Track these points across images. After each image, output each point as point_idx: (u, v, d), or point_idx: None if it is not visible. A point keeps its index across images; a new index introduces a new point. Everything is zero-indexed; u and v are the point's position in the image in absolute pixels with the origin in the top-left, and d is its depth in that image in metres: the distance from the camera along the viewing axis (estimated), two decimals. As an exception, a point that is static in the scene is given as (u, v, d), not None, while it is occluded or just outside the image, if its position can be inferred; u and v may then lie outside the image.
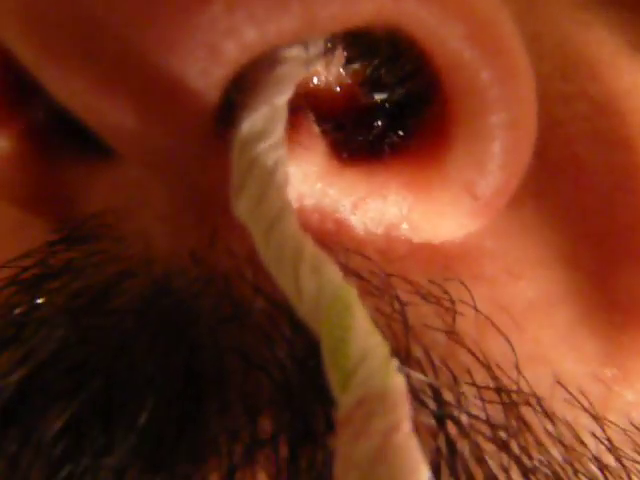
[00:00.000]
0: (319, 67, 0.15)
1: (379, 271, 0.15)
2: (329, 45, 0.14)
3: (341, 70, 0.15)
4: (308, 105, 0.15)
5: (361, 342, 0.11)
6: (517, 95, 0.14)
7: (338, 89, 0.15)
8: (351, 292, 0.12)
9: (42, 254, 0.15)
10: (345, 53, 0.15)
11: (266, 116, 0.13)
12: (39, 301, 0.14)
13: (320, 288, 0.12)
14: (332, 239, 0.15)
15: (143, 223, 0.15)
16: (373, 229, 0.15)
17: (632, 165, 0.16)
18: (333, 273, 0.12)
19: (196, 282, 0.14)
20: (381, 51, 0.14)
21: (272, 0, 0.12)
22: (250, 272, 0.14)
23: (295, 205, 0.15)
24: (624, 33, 0.17)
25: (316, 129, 0.15)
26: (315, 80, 0.15)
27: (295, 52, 0.13)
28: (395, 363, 0.11)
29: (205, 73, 0.12)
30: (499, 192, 0.15)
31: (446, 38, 0.13)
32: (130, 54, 0.12)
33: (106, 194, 0.15)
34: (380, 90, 0.15)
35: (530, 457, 0.14)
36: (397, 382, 0.11)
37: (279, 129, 0.13)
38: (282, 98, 0.13)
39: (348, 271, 0.14)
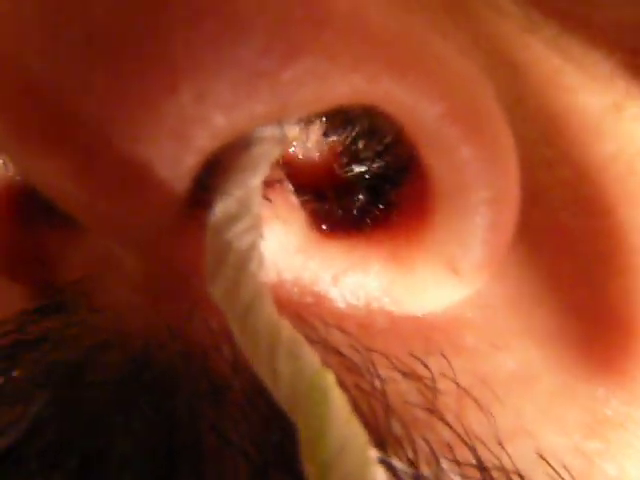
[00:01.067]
0: (297, 138, 0.15)
1: (359, 346, 0.14)
2: (309, 119, 0.14)
3: (319, 141, 0.15)
4: (287, 175, 0.15)
5: (339, 433, 0.11)
6: (499, 171, 0.14)
7: (317, 160, 0.15)
8: (328, 378, 0.12)
9: (19, 322, 0.15)
10: (324, 124, 0.15)
11: (240, 199, 0.13)
12: (15, 373, 0.14)
13: (296, 375, 0.11)
14: (312, 312, 0.15)
15: (119, 294, 0.15)
16: (354, 302, 0.15)
17: (612, 234, 0.16)
18: (309, 358, 0.12)
19: (174, 357, 0.14)
20: (358, 124, 0.14)
21: (241, 88, 0.12)
22: (228, 348, 0.14)
23: (274, 279, 0.14)
24: (609, 95, 0.17)
25: (295, 200, 0.15)
26: (293, 150, 0.15)
27: (269, 132, 0.13)
28: (374, 454, 0.11)
29: (174, 161, 0.12)
30: (482, 268, 0.15)
31: (423, 117, 0.13)
32: (99, 141, 0.11)
33: (83, 262, 0.15)
34: (359, 162, 0.15)
35: None
36: (376, 476, 0.11)
37: (253, 210, 0.13)
38: (256, 179, 0.13)
39: (328, 347, 0.14)
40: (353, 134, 0.15)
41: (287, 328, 0.12)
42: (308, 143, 0.15)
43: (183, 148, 0.12)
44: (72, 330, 0.14)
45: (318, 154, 0.15)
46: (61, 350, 0.14)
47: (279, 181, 0.15)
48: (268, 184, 0.14)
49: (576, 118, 0.16)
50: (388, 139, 0.15)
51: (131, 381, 0.13)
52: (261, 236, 0.13)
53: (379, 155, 0.15)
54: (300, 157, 0.15)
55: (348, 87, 0.12)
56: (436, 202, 0.14)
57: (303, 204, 0.15)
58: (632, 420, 0.16)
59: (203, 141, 0.12)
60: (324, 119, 0.15)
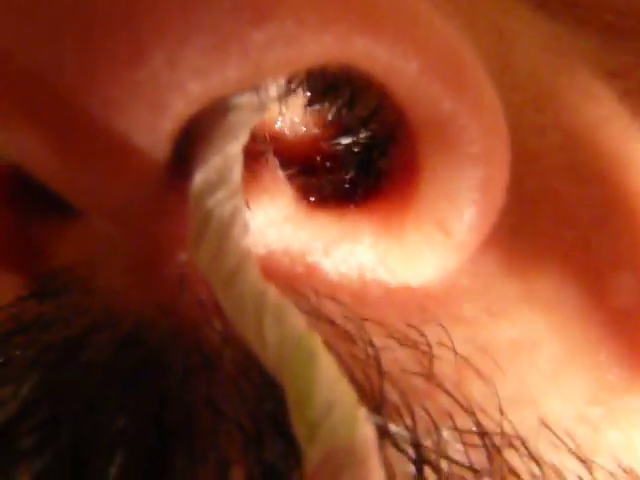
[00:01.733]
0: (281, 110, 0.15)
1: (353, 316, 0.14)
2: (289, 87, 0.14)
3: (303, 113, 0.15)
4: (272, 149, 0.15)
5: (326, 393, 0.11)
6: (484, 127, 0.14)
7: (303, 134, 0.15)
8: (315, 340, 0.11)
9: (13, 309, 0.15)
10: (308, 94, 0.15)
11: (219, 166, 0.13)
12: (6, 355, 0.14)
13: (283, 338, 0.11)
14: (304, 283, 0.14)
15: (111, 276, 0.14)
16: (347, 273, 0.15)
17: (607, 199, 0.16)
18: (296, 322, 0.11)
19: (165, 334, 0.14)
20: (341, 92, 0.14)
21: (212, 52, 0.12)
22: (219, 321, 0.14)
23: (263, 250, 0.14)
24: (599, 59, 0.16)
25: (281, 174, 0.14)
26: (279, 124, 0.15)
27: (246, 98, 0.13)
28: (363, 412, 0.11)
29: (151, 129, 0.12)
30: (474, 229, 0.14)
31: (401, 73, 0.13)
32: (73, 112, 0.11)
33: (75, 247, 0.15)
34: (345, 133, 0.15)
35: None
36: (365, 433, 0.11)
37: (234, 177, 0.13)
38: (235, 146, 0.13)
39: (320, 316, 0.14)
40: (337, 103, 0.15)
41: (273, 293, 0.12)
42: (294, 117, 0.15)
43: (159, 115, 0.12)
44: (65, 312, 0.14)
45: (304, 128, 0.15)
46: (53, 332, 0.14)
47: (264, 154, 0.14)
48: (253, 157, 0.14)
49: (567, 83, 0.16)
50: (372, 104, 0.14)
51: (121, 359, 0.13)
52: (243, 203, 0.13)
53: (364, 123, 0.15)
54: (286, 132, 0.15)
55: (320, 47, 0.12)
56: (423, 164, 0.14)
57: (290, 178, 0.15)
58: (634, 386, 0.16)
59: (179, 107, 0.12)
60: (307, 90, 0.15)
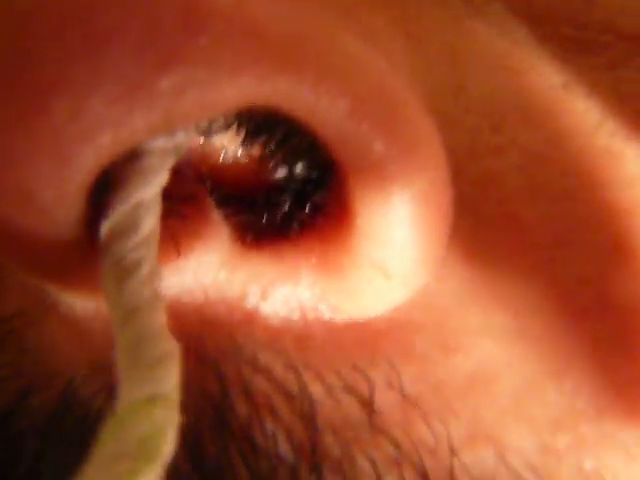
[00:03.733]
0: (215, 146, 0.14)
1: (297, 364, 0.14)
2: (220, 125, 0.13)
3: (239, 149, 0.14)
4: (208, 188, 0.14)
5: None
6: (418, 167, 0.13)
7: (241, 168, 0.14)
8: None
9: None
10: (241, 131, 0.14)
11: (130, 213, 0.12)
12: None
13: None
14: (243, 332, 0.14)
15: (48, 329, 0.14)
16: (287, 315, 0.14)
17: (571, 216, 0.15)
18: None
19: (99, 393, 0.13)
20: (275, 128, 0.14)
21: (118, 101, 0.11)
22: None
23: (200, 299, 0.14)
24: (560, 74, 0.16)
25: (216, 215, 0.14)
26: (219, 161, 0.14)
27: (159, 143, 0.13)
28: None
29: (57, 182, 0.11)
30: (416, 269, 0.14)
31: (327, 114, 0.12)
32: None
33: (17, 296, 0.15)
34: (281, 166, 0.14)
35: None
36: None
37: (147, 224, 0.12)
38: (148, 191, 0.12)
39: (258, 369, 0.14)
40: (270, 140, 0.14)
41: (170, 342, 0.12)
42: (229, 152, 0.14)
43: (64, 167, 0.11)
44: (1, 373, 0.14)
45: (242, 162, 0.14)
46: None
47: (197, 196, 0.14)
48: (185, 200, 0.14)
49: (524, 101, 0.15)
50: (305, 142, 0.14)
51: (56, 425, 0.13)
52: (153, 251, 0.12)
53: (298, 159, 0.14)
54: (224, 167, 0.14)
55: (237, 90, 0.11)
56: (357, 204, 0.13)
57: (227, 217, 0.14)
58: (607, 412, 0.15)
59: (86, 159, 0.11)
60: (239, 127, 0.14)
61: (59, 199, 0.12)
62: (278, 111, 0.12)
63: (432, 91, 0.14)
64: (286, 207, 0.14)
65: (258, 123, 0.14)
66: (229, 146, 0.14)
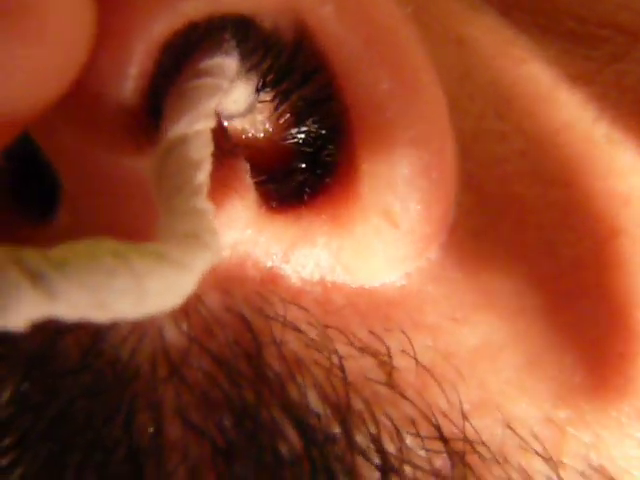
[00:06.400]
0: (247, 124, 0.15)
1: (317, 323, 0.14)
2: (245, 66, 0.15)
3: (256, 100, 0.15)
4: (245, 158, 0.15)
5: None
6: (420, 110, 0.14)
7: (263, 137, 0.15)
8: None
9: None
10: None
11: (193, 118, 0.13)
12: None
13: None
14: (269, 289, 0.15)
15: None
16: (308, 278, 0.15)
17: (571, 201, 0.16)
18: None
19: (130, 337, 0.14)
20: (293, 74, 0.14)
21: None
22: (186, 323, 0.14)
23: (227, 253, 0.15)
24: (562, 65, 0.17)
25: (249, 180, 0.15)
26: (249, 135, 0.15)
27: (215, 62, 0.14)
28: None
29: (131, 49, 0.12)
30: (422, 219, 0.15)
31: (344, 41, 0.13)
32: None
33: None
34: (295, 125, 0.15)
35: None
36: None
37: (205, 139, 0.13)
38: (209, 104, 0.13)
39: (286, 323, 0.14)
40: (288, 86, 0.15)
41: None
42: (257, 127, 0.15)
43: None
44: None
45: (264, 132, 0.15)
46: (23, 344, 0.14)
47: (238, 160, 0.15)
48: (227, 164, 0.14)
49: (528, 89, 0.16)
50: (319, 88, 0.14)
51: (87, 367, 0.14)
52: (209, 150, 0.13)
53: (312, 109, 0.15)
54: (248, 142, 0.15)
55: None
56: (362, 150, 0.14)
57: (256, 185, 0.15)
58: (601, 389, 0.16)
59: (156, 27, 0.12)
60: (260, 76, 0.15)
61: (129, 64, 0.13)
62: (302, 36, 0.13)
63: (438, 75, 0.15)
64: (301, 175, 0.15)
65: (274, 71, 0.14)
66: (256, 120, 0.15)
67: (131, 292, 0.10)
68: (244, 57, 0.14)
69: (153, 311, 0.10)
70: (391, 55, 0.13)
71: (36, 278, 0.09)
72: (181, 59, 0.14)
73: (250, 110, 0.15)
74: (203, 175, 0.13)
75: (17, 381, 0.14)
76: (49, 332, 0.14)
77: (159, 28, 0.13)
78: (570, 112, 0.16)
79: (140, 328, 0.14)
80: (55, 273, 0.10)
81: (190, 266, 0.11)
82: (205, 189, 0.13)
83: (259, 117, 0.15)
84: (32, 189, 0.16)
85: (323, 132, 0.15)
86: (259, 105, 0.15)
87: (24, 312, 0.09)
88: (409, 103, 0.14)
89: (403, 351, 0.15)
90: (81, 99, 0.12)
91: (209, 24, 0.13)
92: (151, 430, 0.13)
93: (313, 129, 0.15)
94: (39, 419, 0.13)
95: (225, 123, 0.15)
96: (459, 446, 0.14)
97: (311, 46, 0.14)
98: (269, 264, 0.15)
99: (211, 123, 0.13)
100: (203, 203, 0.12)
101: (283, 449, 0.13)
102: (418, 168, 0.14)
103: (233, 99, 0.15)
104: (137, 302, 0.10)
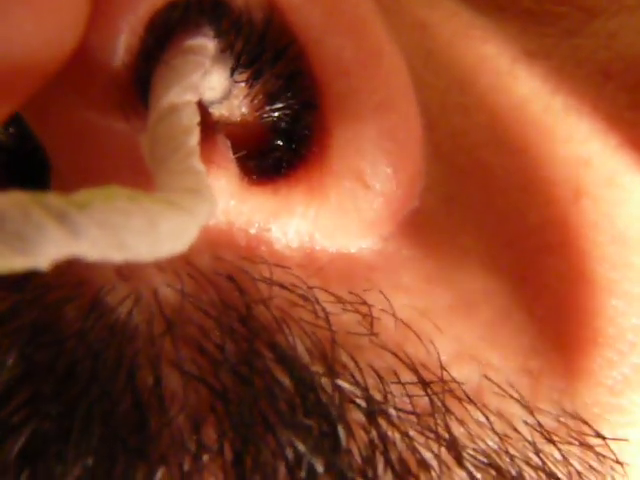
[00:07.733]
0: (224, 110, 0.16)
1: (301, 283, 0.15)
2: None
3: (241, 104, 0.16)
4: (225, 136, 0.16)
5: None
6: (384, 77, 0.15)
7: (240, 120, 0.16)
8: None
9: None
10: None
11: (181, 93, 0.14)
12: None
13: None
14: (253, 254, 0.15)
15: None
16: (290, 244, 0.16)
17: (534, 167, 0.17)
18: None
19: (126, 300, 0.15)
20: (265, 55, 0.15)
21: None
22: (179, 282, 0.15)
23: (212, 221, 0.15)
24: (520, 43, 0.18)
25: (231, 155, 0.16)
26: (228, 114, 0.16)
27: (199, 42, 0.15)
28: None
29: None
30: (392, 179, 0.15)
31: (310, 15, 0.14)
32: None
33: None
34: (271, 102, 0.16)
35: (461, 444, 0.15)
36: None
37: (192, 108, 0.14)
38: (195, 78, 0.14)
39: (272, 283, 0.15)
40: (261, 67, 0.16)
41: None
42: (235, 108, 0.16)
43: None
44: (35, 292, 0.15)
45: (241, 115, 0.16)
46: (27, 313, 0.15)
47: (219, 137, 0.16)
48: (209, 139, 0.15)
49: (490, 66, 0.17)
50: (291, 66, 0.15)
51: (90, 329, 0.14)
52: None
53: (285, 87, 0.16)
54: (231, 121, 0.16)
55: None
56: (332, 122, 0.15)
57: (237, 160, 0.16)
58: (572, 340, 0.17)
59: None
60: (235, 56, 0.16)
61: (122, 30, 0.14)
62: (271, 13, 0.14)
63: (403, 54, 0.16)
64: (278, 152, 0.16)
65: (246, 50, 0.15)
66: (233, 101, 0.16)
67: (147, 234, 0.11)
68: (219, 37, 0.15)
69: (164, 253, 0.11)
70: (353, 24, 0.14)
71: (60, 218, 0.10)
72: (164, 37, 0.15)
73: (226, 96, 0.16)
74: (195, 140, 0.14)
75: (22, 346, 0.14)
76: (53, 301, 0.15)
77: (143, 7, 0.14)
78: (530, 85, 0.17)
79: (136, 290, 0.15)
80: (78, 213, 0.10)
81: (196, 213, 0.12)
82: (198, 152, 0.13)
83: (235, 102, 0.16)
84: (21, 176, 0.17)
85: (297, 107, 0.16)
86: (234, 91, 0.16)
87: (49, 251, 0.10)
88: (372, 69, 0.15)
89: (382, 310, 0.16)
90: (76, 70, 0.13)
91: (187, 3, 0.14)
92: (151, 382, 0.14)
93: (287, 105, 0.16)
94: (46, 379, 0.14)
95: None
96: (439, 390, 0.15)
97: (280, 22, 0.15)
98: (252, 231, 0.16)
99: (196, 96, 0.14)
100: (198, 163, 0.13)
101: (278, 392, 0.14)
102: (384, 131, 0.15)
103: (210, 86, 0.16)
104: (152, 243, 0.11)
